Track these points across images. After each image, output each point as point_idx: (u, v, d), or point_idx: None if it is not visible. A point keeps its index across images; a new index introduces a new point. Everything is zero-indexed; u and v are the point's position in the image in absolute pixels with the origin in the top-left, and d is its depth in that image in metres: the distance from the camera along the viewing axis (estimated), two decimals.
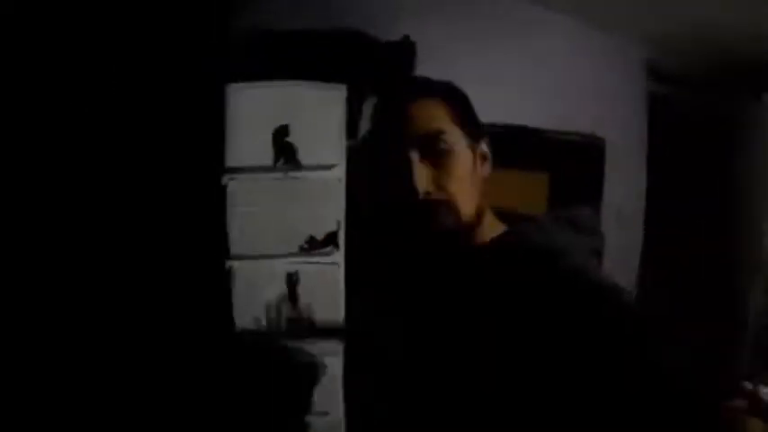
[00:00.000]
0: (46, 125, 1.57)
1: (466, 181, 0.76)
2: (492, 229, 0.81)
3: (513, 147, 1.58)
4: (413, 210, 0.74)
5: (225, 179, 1.56)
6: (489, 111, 0.93)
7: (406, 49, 1.68)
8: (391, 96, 0.83)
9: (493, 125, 1.04)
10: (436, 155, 0.75)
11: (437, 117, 0.77)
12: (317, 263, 1.55)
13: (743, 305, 2.63)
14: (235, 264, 1.54)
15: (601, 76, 2.36)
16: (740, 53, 2.45)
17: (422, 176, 0.73)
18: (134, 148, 1.59)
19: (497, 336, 0.72)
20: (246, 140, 1.56)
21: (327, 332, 1.53)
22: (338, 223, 1.55)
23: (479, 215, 0.79)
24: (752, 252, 2.64)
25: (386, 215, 0.85)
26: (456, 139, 0.76)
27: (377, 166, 0.80)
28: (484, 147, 0.82)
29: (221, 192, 1.55)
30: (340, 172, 1.57)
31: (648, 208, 2.48)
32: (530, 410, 0.68)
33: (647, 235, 2.53)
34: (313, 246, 1.54)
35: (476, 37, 2.10)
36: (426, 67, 1.76)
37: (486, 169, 0.82)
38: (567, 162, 2.01)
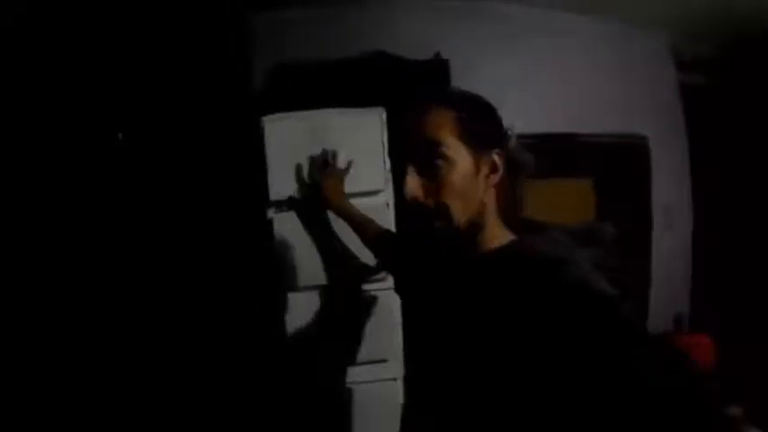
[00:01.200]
0: (99, 161, 1.60)
1: (461, 190, 0.78)
2: (497, 238, 0.82)
3: (552, 155, 1.54)
4: (408, 215, 0.80)
5: (270, 212, 1.54)
6: (519, 119, 0.91)
7: (438, 66, 1.67)
8: (400, 106, 0.87)
9: (528, 135, 1.02)
10: (430, 165, 0.78)
11: (438, 127, 0.79)
12: (372, 289, 1.52)
13: None
14: (290, 296, 1.51)
15: (630, 73, 2.32)
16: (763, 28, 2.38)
17: (412, 184, 0.78)
18: (180, 189, 1.60)
19: (494, 343, 0.73)
20: (288, 172, 1.54)
21: None
22: None
23: (479, 223, 0.80)
24: None
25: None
26: (455, 149, 0.78)
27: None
28: (495, 157, 0.82)
29: (268, 226, 1.53)
30: (387, 196, 1.54)
31: (696, 204, 2.40)
32: (528, 417, 0.69)
33: (696, 232, 2.44)
34: (367, 273, 1.50)
35: (501, 44, 2.09)
36: (456, 82, 1.75)
37: (493, 179, 0.82)
38: (611, 165, 1.96)
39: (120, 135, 1.71)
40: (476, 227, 0.80)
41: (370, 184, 1.53)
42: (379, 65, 1.63)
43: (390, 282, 1.52)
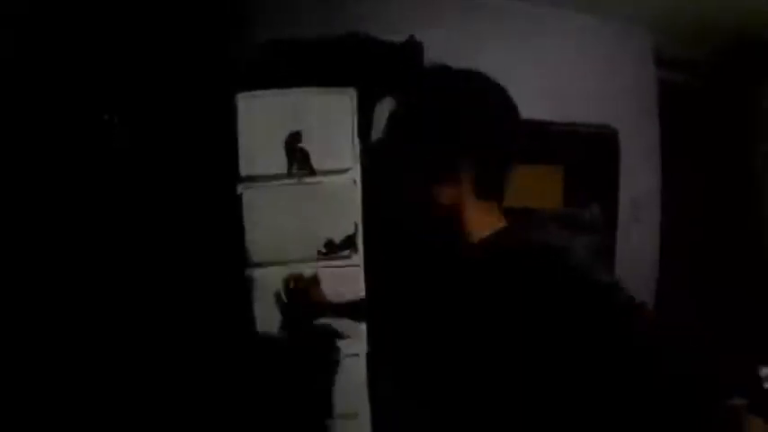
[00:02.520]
0: (59, 134, 1.60)
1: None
2: (491, 224, 0.80)
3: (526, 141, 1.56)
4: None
5: (240, 188, 1.56)
6: None
7: (412, 49, 1.69)
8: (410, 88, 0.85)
9: None
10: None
11: None
12: (337, 266, 1.55)
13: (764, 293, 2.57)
14: (255, 272, 1.54)
15: (609, 67, 2.36)
16: (746, 35, 2.43)
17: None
18: (149, 161, 1.61)
19: (492, 332, 0.71)
20: (259, 148, 1.56)
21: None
22: (355, 226, 1.55)
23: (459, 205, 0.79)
24: None
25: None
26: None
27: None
28: None
29: (237, 201, 1.55)
30: (354, 175, 1.57)
31: (664, 199, 2.45)
32: (526, 409, 0.68)
33: (664, 226, 2.50)
34: (331, 249, 1.54)
35: (480, 37, 2.11)
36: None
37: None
38: (582, 154, 2.00)
39: (106, 116, 1.71)
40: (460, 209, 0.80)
41: (339, 163, 1.55)
42: (352, 45, 1.64)
43: (354, 259, 1.56)
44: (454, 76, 0.82)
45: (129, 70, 1.73)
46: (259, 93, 1.58)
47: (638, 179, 2.34)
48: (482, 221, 0.80)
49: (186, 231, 1.61)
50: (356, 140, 1.57)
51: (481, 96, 0.81)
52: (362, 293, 1.53)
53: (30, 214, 1.57)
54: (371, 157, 1.55)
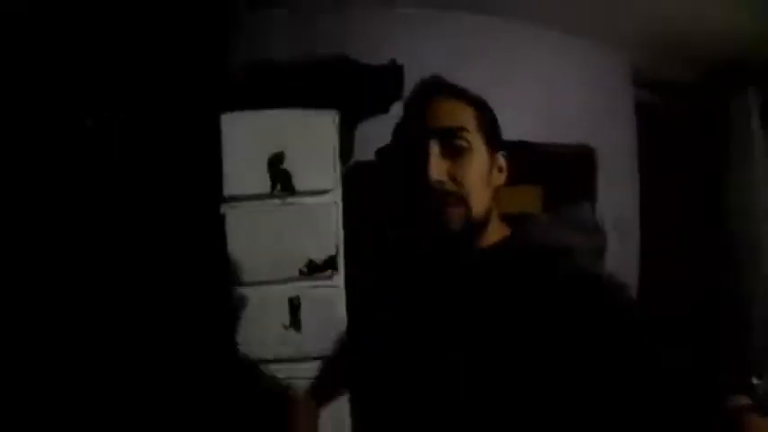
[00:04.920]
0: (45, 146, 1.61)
1: (481, 181, 0.78)
2: (498, 232, 0.82)
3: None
4: (425, 199, 0.76)
5: (223, 208, 1.58)
6: None
7: (393, 73, 1.72)
8: (421, 91, 0.84)
9: None
10: (455, 149, 0.76)
11: (462, 116, 0.79)
12: (318, 286, 1.56)
13: (745, 304, 2.62)
14: (237, 290, 1.55)
15: (589, 87, 2.41)
16: (720, 52, 2.49)
17: (438, 166, 0.74)
18: (134, 179, 1.62)
19: (500, 334, 0.73)
20: (243, 169, 1.58)
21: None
22: (336, 247, 1.57)
23: (488, 218, 0.80)
24: (751, 251, 2.64)
25: (400, 207, 0.85)
26: (476, 140, 0.78)
27: (399, 155, 0.81)
28: (501, 159, 0.84)
29: (220, 220, 1.56)
30: (335, 196, 1.59)
31: (643, 216, 2.50)
32: (528, 408, 0.69)
33: (644, 242, 2.54)
34: (312, 269, 1.55)
35: (463, 55, 2.15)
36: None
37: (500, 179, 0.83)
38: (560, 174, 2.04)
39: (88, 120, 1.72)
40: (486, 221, 0.80)
41: (320, 184, 1.58)
42: (335, 68, 1.67)
43: (335, 280, 1.57)
44: None
45: (114, 87, 1.76)
46: (243, 113, 1.61)
47: (619, 198, 2.38)
48: (494, 229, 0.81)
49: (170, 250, 1.62)
50: (337, 162, 1.59)
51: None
52: (343, 314, 1.54)
53: (12, 227, 1.57)
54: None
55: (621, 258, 2.47)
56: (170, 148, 1.69)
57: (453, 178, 0.76)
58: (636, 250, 2.51)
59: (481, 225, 0.78)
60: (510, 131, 2.06)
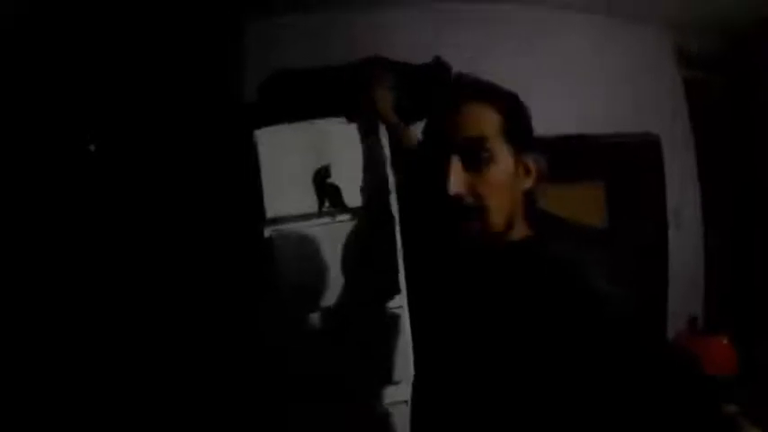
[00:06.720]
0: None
1: (503, 190, 0.77)
2: (519, 232, 0.81)
3: (562, 158, 1.45)
4: (445, 211, 0.76)
5: (267, 231, 1.44)
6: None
7: (440, 70, 1.58)
8: (443, 98, 0.83)
9: (538, 138, 0.97)
10: (476, 161, 0.75)
11: (483, 123, 0.77)
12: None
13: None
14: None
15: (634, 69, 2.26)
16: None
17: (457, 179, 0.74)
18: (174, 211, 1.51)
19: (505, 339, 0.73)
20: (285, 187, 1.45)
21: None
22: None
23: (510, 225, 0.79)
24: None
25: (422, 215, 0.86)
26: (499, 147, 0.76)
27: (420, 169, 0.81)
28: (530, 160, 0.81)
29: (266, 245, 1.43)
30: (392, 208, 1.45)
31: (705, 203, 2.33)
32: (533, 411, 0.69)
33: (707, 233, 2.38)
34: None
35: (502, 48, 2.03)
36: None
37: (528, 182, 0.81)
38: (622, 165, 1.87)
39: (91, 146, 1.64)
40: (508, 228, 0.78)
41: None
42: (377, 70, 1.54)
43: (398, 300, 1.43)
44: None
45: (141, 107, 1.66)
46: (279, 127, 1.48)
47: (678, 186, 2.22)
48: (518, 230, 0.81)
49: (213, 283, 1.51)
50: (390, 170, 1.46)
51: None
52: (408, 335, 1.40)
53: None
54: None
55: (681, 248, 2.32)
56: (205, 172, 1.57)
57: (473, 190, 0.75)
58: (699, 237, 2.35)
59: (500, 234, 0.78)
60: (560, 124, 1.94)
